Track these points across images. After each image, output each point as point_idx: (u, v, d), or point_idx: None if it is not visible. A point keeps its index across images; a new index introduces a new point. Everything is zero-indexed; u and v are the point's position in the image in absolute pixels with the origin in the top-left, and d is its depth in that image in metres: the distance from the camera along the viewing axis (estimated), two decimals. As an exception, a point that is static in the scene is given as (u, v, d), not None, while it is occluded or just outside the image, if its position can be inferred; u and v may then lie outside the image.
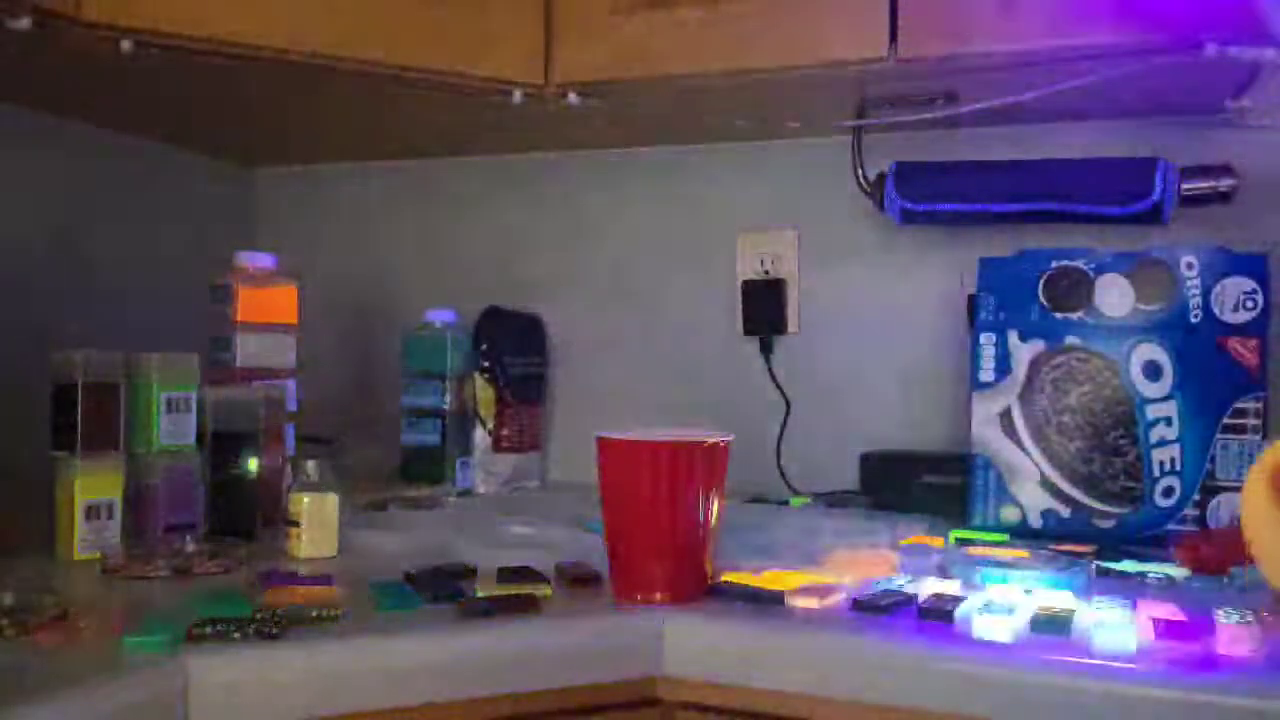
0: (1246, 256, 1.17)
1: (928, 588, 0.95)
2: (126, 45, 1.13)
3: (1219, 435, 1.16)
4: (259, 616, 0.81)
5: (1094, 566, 1.04)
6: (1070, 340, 1.21)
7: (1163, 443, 1.17)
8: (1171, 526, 1.17)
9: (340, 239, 1.79)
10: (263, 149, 1.75)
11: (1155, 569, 1.03)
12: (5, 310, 1.37)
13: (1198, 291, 1.17)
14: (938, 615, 0.87)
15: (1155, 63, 1.13)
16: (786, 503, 1.44)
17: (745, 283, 1.58)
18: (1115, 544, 1.15)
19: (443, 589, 0.91)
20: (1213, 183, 1.29)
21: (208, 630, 0.78)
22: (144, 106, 1.44)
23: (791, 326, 1.57)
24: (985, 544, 1.14)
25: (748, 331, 1.58)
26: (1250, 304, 1.16)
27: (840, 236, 1.54)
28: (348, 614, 0.85)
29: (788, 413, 1.55)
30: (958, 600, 0.90)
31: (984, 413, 1.24)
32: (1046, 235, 1.37)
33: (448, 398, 1.53)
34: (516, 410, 1.58)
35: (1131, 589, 0.97)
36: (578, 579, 0.96)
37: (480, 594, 0.90)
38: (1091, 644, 0.81)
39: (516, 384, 1.58)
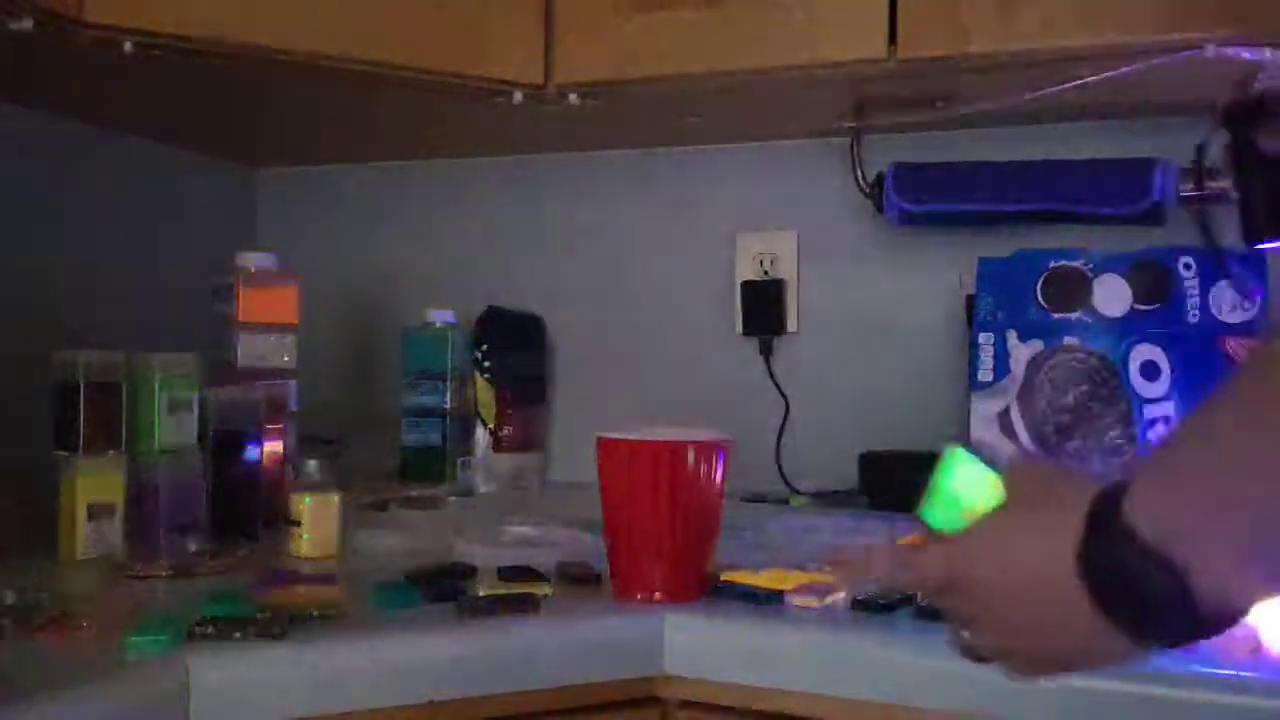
0: (1245, 257, 1.17)
1: (927, 587, 0.95)
2: (128, 46, 1.13)
3: (1218, 435, 1.16)
4: (260, 616, 0.81)
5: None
6: (1069, 340, 1.22)
7: (1162, 443, 1.17)
8: (1170, 526, 1.17)
9: (340, 239, 1.79)
10: (263, 149, 1.75)
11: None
12: (6, 310, 1.37)
13: (1196, 292, 1.17)
14: (938, 615, 0.87)
15: (1155, 63, 1.14)
16: (786, 503, 1.44)
17: (745, 283, 1.58)
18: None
19: (443, 589, 0.91)
20: (1212, 183, 1.29)
21: (209, 630, 0.78)
22: (144, 106, 1.44)
23: (791, 326, 1.57)
24: (985, 544, 1.14)
25: (748, 331, 1.58)
26: (1248, 304, 1.16)
27: (840, 236, 1.55)
28: (348, 614, 0.85)
29: (787, 412, 1.55)
30: (957, 600, 0.90)
31: (983, 412, 1.24)
32: (1046, 235, 1.37)
33: (448, 398, 1.53)
34: (516, 410, 1.58)
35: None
36: (578, 579, 0.96)
37: (480, 594, 0.90)
38: (1090, 644, 0.81)
39: (516, 384, 1.58)
